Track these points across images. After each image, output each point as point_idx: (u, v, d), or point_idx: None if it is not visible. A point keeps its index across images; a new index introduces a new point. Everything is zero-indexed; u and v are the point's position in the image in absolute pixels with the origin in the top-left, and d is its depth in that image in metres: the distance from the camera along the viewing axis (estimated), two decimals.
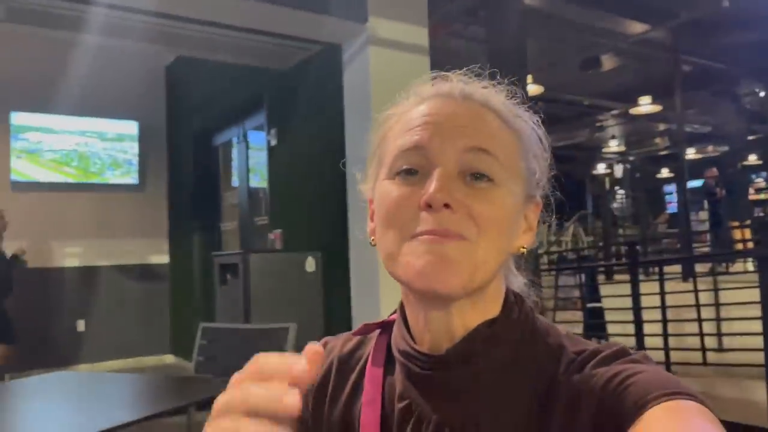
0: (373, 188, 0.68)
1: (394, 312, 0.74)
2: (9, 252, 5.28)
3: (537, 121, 0.69)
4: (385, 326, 0.74)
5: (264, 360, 0.43)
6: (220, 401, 0.43)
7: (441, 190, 0.58)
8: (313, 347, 0.45)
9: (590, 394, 0.56)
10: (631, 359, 0.59)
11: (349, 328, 0.76)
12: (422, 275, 0.58)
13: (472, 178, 0.61)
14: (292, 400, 0.40)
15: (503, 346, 0.63)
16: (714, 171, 8.93)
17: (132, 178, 7.05)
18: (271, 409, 0.40)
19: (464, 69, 0.69)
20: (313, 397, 0.74)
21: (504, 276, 0.68)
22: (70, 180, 6.71)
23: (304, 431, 0.73)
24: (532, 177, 0.67)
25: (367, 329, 0.75)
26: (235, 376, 0.45)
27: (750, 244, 7.73)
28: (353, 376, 0.73)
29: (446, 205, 0.58)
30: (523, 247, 0.67)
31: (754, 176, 12.83)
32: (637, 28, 7.28)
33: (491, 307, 0.65)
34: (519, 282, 0.72)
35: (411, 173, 0.62)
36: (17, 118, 6.42)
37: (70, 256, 6.63)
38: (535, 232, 0.69)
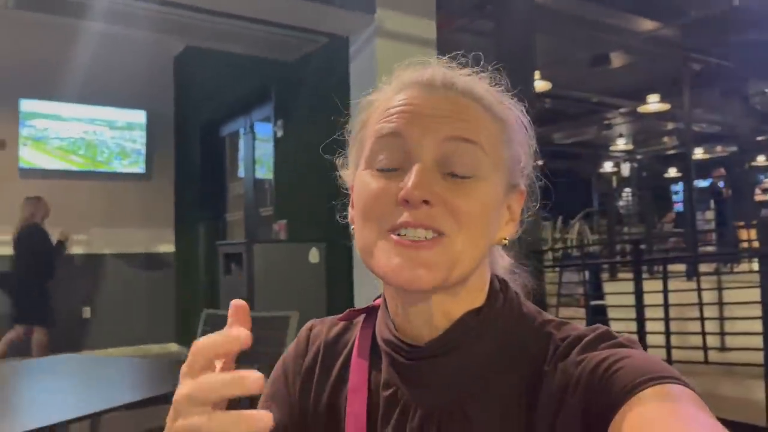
0: (353, 175, 0.67)
1: (378, 297, 0.73)
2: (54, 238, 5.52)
3: (522, 108, 0.68)
4: (370, 312, 0.74)
5: (203, 344, 0.45)
6: (181, 395, 0.45)
7: (419, 187, 0.57)
8: (238, 301, 0.48)
9: (578, 380, 0.56)
10: (617, 343, 0.58)
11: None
12: (396, 273, 0.58)
13: (451, 175, 0.60)
14: (255, 378, 0.42)
15: (487, 336, 0.63)
16: (721, 171, 8.90)
17: (139, 167, 7.08)
18: (237, 393, 0.43)
19: (447, 56, 0.68)
20: (300, 383, 0.74)
21: (488, 264, 0.67)
22: (77, 168, 6.75)
23: (290, 417, 0.73)
24: (516, 166, 0.65)
25: (352, 315, 0.76)
26: (183, 368, 0.46)
27: (755, 245, 7.70)
28: (339, 362, 0.73)
29: (425, 202, 0.58)
30: (505, 239, 0.67)
31: (762, 177, 12.75)
32: (647, 25, 7.25)
33: (475, 296, 0.65)
34: (505, 262, 0.72)
35: (390, 168, 0.61)
36: (26, 105, 6.46)
37: (77, 244, 6.67)
38: (518, 221, 0.68)
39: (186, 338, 6.42)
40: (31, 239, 5.35)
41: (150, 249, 7.04)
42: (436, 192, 0.58)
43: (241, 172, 6.63)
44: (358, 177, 0.64)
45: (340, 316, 0.76)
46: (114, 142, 6.95)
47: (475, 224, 0.59)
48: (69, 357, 2.87)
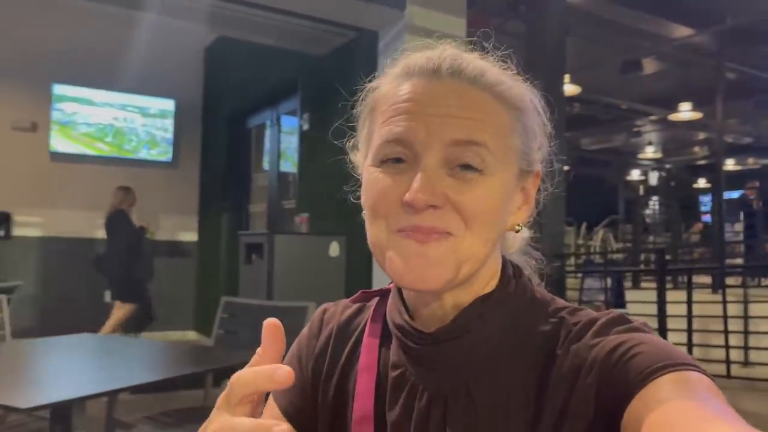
0: (362, 163, 0.67)
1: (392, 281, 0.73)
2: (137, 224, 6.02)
3: (534, 90, 0.66)
4: (384, 294, 0.75)
5: (244, 378, 0.46)
6: (213, 430, 0.46)
7: (423, 191, 0.56)
8: (271, 321, 0.50)
9: (593, 363, 0.55)
10: (632, 327, 0.58)
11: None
12: (405, 276, 0.59)
13: (459, 169, 0.58)
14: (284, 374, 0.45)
15: (496, 320, 0.62)
16: (756, 183, 8.71)
17: (166, 156, 7.16)
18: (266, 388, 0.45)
19: (455, 41, 0.65)
20: (312, 364, 0.75)
21: (499, 250, 0.66)
22: (106, 154, 6.85)
23: (302, 397, 0.74)
24: (531, 150, 0.64)
25: (365, 296, 0.76)
26: (221, 400, 0.48)
27: None
28: (350, 343, 0.73)
29: (430, 206, 0.57)
30: (518, 225, 0.66)
31: None
32: (681, 32, 7.14)
33: (487, 283, 0.64)
34: (518, 242, 0.71)
35: (397, 161, 0.60)
36: (59, 89, 6.57)
37: (101, 228, 6.77)
38: (533, 204, 0.67)
39: (204, 326, 6.47)
40: (115, 223, 5.89)
41: (173, 237, 7.10)
42: (441, 193, 0.57)
43: (266, 164, 6.67)
44: (366, 171, 0.63)
45: (353, 297, 0.77)
46: (143, 130, 7.04)
47: (482, 222, 0.59)
48: (88, 336, 2.91)
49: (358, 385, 0.68)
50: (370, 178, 0.62)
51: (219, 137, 7.05)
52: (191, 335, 7.08)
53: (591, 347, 0.57)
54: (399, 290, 0.69)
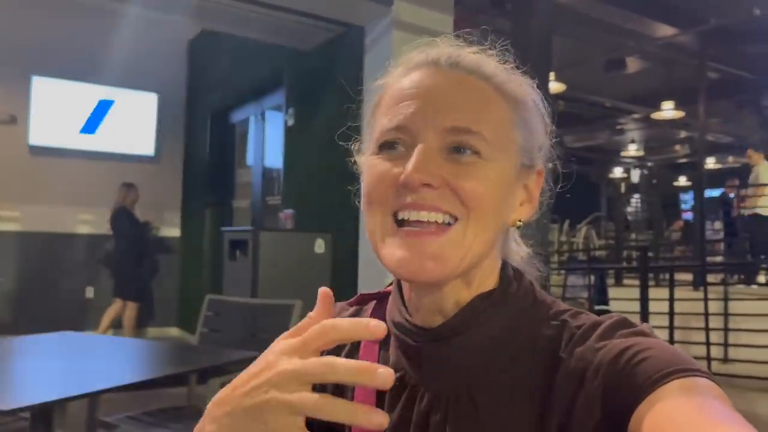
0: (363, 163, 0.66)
1: (391, 283, 0.73)
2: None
3: (534, 84, 0.66)
4: (381, 297, 0.74)
5: (332, 325, 0.47)
6: (287, 370, 0.46)
7: (419, 170, 0.56)
8: (326, 289, 0.53)
9: (598, 366, 0.55)
10: (637, 331, 0.57)
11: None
12: (401, 267, 0.58)
13: (456, 152, 0.58)
14: (386, 373, 0.44)
15: (498, 320, 0.62)
16: (735, 182, 8.82)
17: (148, 150, 7.07)
18: (363, 382, 0.45)
19: (453, 33, 0.66)
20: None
21: (501, 249, 0.66)
22: (87, 148, 6.74)
23: None
24: (531, 145, 0.64)
25: (363, 299, 0.75)
26: (294, 343, 0.48)
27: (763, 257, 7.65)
28: (347, 347, 0.72)
29: (426, 185, 0.57)
30: (520, 221, 0.65)
31: None
32: (665, 31, 7.19)
33: (486, 281, 0.64)
34: (522, 251, 0.71)
35: (393, 146, 0.60)
36: (38, 82, 6.45)
37: (82, 224, 6.68)
38: (536, 202, 0.67)
39: (187, 323, 6.42)
40: (117, 221, 6.00)
41: (156, 232, 7.02)
42: (437, 174, 0.57)
43: (250, 160, 6.61)
44: (366, 162, 0.64)
45: (351, 300, 0.76)
46: (125, 124, 6.94)
47: (482, 206, 0.58)
48: (69, 334, 2.86)
49: (357, 390, 0.67)
50: (369, 165, 0.62)
51: (202, 132, 6.97)
52: (174, 332, 7.01)
53: (596, 351, 0.56)
54: (399, 290, 0.68)
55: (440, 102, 0.59)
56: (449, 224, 0.58)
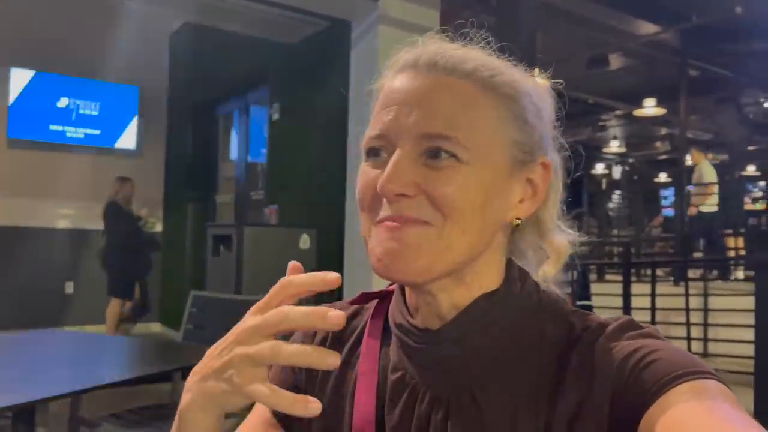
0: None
1: (393, 283, 0.71)
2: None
3: (532, 75, 0.64)
4: (384, 296, 0.73)
5: (288, 280, 0.51)
6: (248, 326, 0.50)
7: (391, 180, 0.56)
8: (295, 263, 0.54)
9: (606, 370, 0.54)
10: (644, 333, 0.57)
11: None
12: (380, 263, 0.57)
13: (433, 158, 0.57)
14: (337, 314, 0.47)
15: (501, 321, 0.61)
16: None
17: (130, 144, 6.98)
18: (317, 326, 0.48)
19: (439, 29, 0.65)
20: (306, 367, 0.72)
21: (505, 248, 0.64)
22: (66, 141, 6.64)
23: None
24: (528, 138, 0.61)
25: (364, 298, 0.74)
26: (256, 306, 0.52)
27: (742, 253, 7.77)
28: (348, 346, 0.71)
29: (402, 194, 0.56)
30: (518, 218, 0.62)
31: (751, 186, 12.86)
32: (648, 28, 7.24)
33: (486, 281, 0.62)
34: (571, 238, 0.68)
35: (376, 153, 0.60)
36: (17, 75, 6.34)
37: (62, 218, 6.58)
38: (543, 195, 0.64)
39: (170, 319, 6.36)
40: (107, 216, 5.91)
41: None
42: (412, 182, 0.56)
43: (234, 154, 6.56)
44: (360, 167, 0.63)
45: (352, 299, 0.75)
46: (105, 117, 6.84)
47: (460, 211, 0.56)
48: (50, 332, 2.82)
49: (357, 390, 0.66)
50: (360, 171, 0.62)
51: (185, 126, 6.89)
52: (156, 327, 6.94)
53: (604, 353, 0.56)
54: (402, 290, 0.67)
55: (415, 108, 0.58)
56: (427, 222, 0.57)
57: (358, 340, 0.71)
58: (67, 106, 6.65)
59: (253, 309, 0.52)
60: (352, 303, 0.75)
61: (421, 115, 0.57)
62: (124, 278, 5.96)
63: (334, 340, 0.72)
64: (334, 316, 0.47)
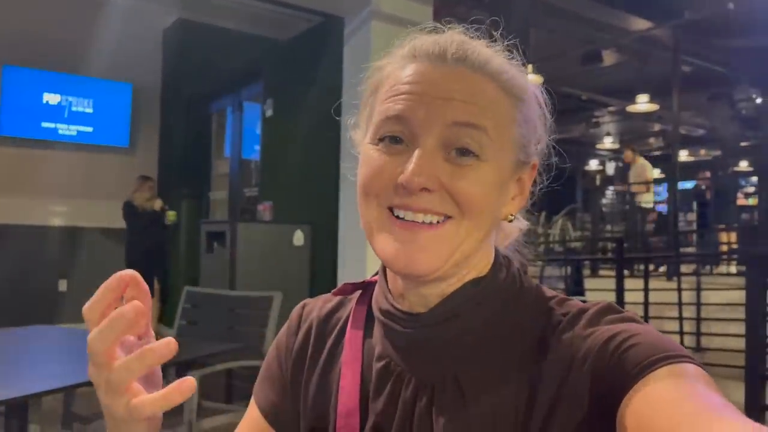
0: (361, 144, 0.65)
1: (376, 273, 0.72)
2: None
3: (536, 84, 0.66)
4: (366, 287, 0.73)
5: (85, 308, 0.52)
6: (90, 369, 0.51)
7: (419, 173, 0.56)
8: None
9: (586, 353, 0.55)
10: (623, 317, 0.58)
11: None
12: (396, 260, 0.58)
13: (456, 153, 0.58)
14: (133, 305, 0.48)
15: (487, 306, 0.62)
16: (707, 174, 9.01)
17: (122, 141, 6.96)
18: (121, 326, 0.49)
19: (463, 25, 0.65)
20: (292, 361, 0.73)
21: (492, 241, 0.66)
22: (59, 138, 6.61)
23: (284, 396, 0.73)
24: (529, 141, 0.64)
25: (347, 289, 0.74)
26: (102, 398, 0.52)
27: (734, 247, 7.81)
28: (332, 337, 0.72)
29: (424, 189, 0.57)
30: (512, 214, 0.65)
31: (743, 182, 12.92)
32: (641, 24, 7.26)
33: (477, 269, 0.64)
34: (522, 225, 0.71)
35: (394, 141, 0.59)
36: (10, 72, 6.30)
37: (55, 215, 6.56)
38: (527, 195, 0.67)
39: (164, 315, 6.35)
40: (123, 215, 6.05)
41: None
42: (436, 177, 0.57)
43: (227, 151, 6.55)
44: (364, 149, 0.63)
45: (335, 290, 0.75)
46: (98, 114, 6.81)
47: (477, 209, 0.58)
48: (43, 328, 2.81)
49: (342, 379, 0.67)
50: (367, 155, 0.61)
51: (178, 122, 6.87)
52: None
53: (584, 338, 0.56)
54: (385, 276, 0.67)
55: (445, 95, 0.58)
56: (445, 218, 0.58)
57: (342, 331, 0.71)
58: (59, 103, 6.61)
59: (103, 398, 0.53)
60: (336, 294, 0.75)
61: (452, 104, 0.58)
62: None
63: (318, 333, 0.73)
64: (132, 306, 0.49)
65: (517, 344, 0.61)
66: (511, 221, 0.66)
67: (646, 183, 8.00)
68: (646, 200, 7.80)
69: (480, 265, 0.64)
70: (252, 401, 0.75)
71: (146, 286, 0.52)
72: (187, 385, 0.48)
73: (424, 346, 0.62)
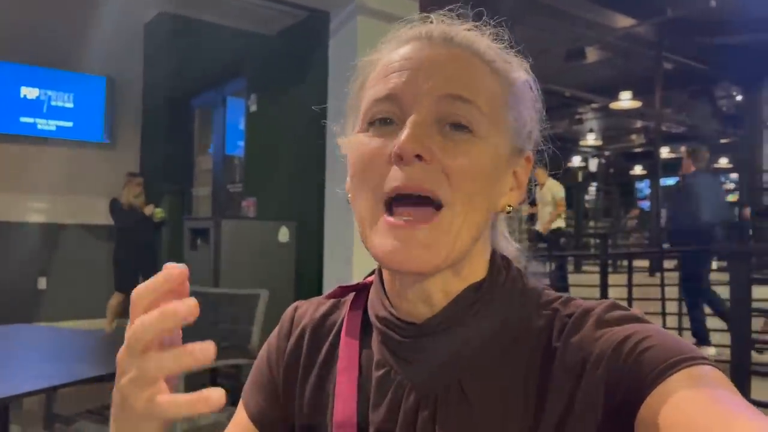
0: (349, 141, 0.63)
1: (370, 274, 0.70)
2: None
3: (527, 67, 0.64)
4: (361, 289, 0.71)
5: (139, 290, 0.47)
6: (121, 352, 0.47)
7: (412, 140, 0.54)
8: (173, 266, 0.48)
9: (599, 357, 0.53)
10: (630, 317, 0.56)
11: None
12: (393, 256, 0.55)
13: (450, 128, 0.56)
14: (187, 304, 0.44)
15: (489, 311, 0.60)
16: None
17: (103, 136, 6.85)
18: (170, 322, 0.44)
19: (446, 8, 0.64)
20: (284, 366, 0.70)
21: (490, 237, 0.64)
22: (36, 133, 6.49)
23: (275, 402, 0.70)
24: (521, 128, 0.62)
25: (341, 292, 0.72)
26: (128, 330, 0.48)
27: None
28: (327, 343, 0.69)
29: (419, 156, 0.54)
30: (509, 206, 0.63)
31: (724, 179, 13.10)
32: (624, 21, 7.30)
33: (476, 270, 0.61)
34: (511, 248, 0.69)
35: (384, 123, 0.58)
36: None
37: (35, 212, 6.44)
38: (525, 189, 0.65)
39: None
40: (110, 212, 5.99)
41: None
42: (429, 147, 0.55)
43: (211, 147, 6.48)
44: (353, 140, 0.60)
45: (328, 293, 0.72)
46: (78, 109, 6.70)
47: (471, 185, 0.56)
48: (24, 327, 2.75)
49: (338, 387, 0.64)
50: (357, 144, 0.59)
51: (160, 118, 6.78)
52: None
53: (594, 340, 0.54)
54: (381, 280, 0.65)
55: (434, 71, 0.57)
56: (438, 207, 0.55)
57: (338, 336, 0.68)
58: (38, 97, 6.49)
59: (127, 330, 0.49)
60: (329, 297, 0.72)
61: (441, 78, 0.57)
62: (125, 272, 5.91)
63: (311, 337, 0.70)
64: (186, 305, 0.44)
65: (523, 349, 0.59)
66: (509, 213, 0.64)
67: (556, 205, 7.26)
68: (556, 224, 7.31)
69: (478, 265, 0.61)
70: (240, 404, 0.72)
71: (188, 287, 0.49)
72: (216, 397, 0.43)
73: (424, 354, 0.59)
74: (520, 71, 0.63)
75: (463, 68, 0.58)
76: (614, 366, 0.52)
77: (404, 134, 0.54)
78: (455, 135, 0.56)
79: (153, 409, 0.45)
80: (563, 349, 0.56)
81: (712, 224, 5.13)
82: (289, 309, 0.75)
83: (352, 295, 0.71)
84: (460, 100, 0.56)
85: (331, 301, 0.72)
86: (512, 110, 0.60)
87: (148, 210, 6.01)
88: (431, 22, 0.62)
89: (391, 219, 0.55)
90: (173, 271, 0.46)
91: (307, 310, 0.73)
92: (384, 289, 0.64)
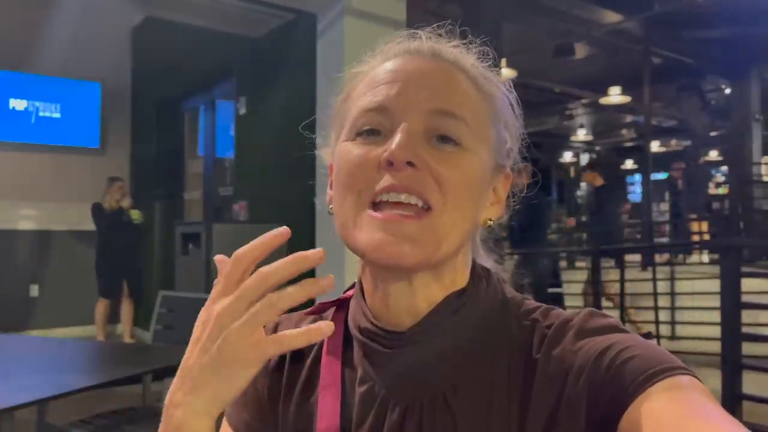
0: (333, 152, 0.63)
1: (350, 288, 0.70)
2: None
3: (508, 86, 0.65)
4: (341, 304, 0.70)
5: (242, 251, 0.53)
6: (224, 308, 0.51)
7: (405, 147, 0.54)
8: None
9: (580, 369, 0.53)
10: (608, 326, 0.57)
11: (312, 304, 0.72)
12: (378, 249, 0.55)
13: (438, 141, 0.57)
14: (316, 251, 0.49)
15: (471, 320, 0.60)
16: (681, 165, 9.13)
17: (93, 142, 6.82)
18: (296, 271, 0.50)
19: (434, 25, 0.65)
20: (268, 383, 0.69)
21: (471, 249, 0.65)
22: (27, 140, 6.45)
23: (260, 417, 0.69)
24: (502, 146, 0.63)
25: (322, 308, 0.71)
26: (218, 284, 0.53)
27: (706, 237, 7.95)
28: (309, 360, 0.68)
29: (409, 163, 0.54)
30: (490, 219, 0.64)
31: (714, 172, 13.16)
32: (611, 17, 7.32)
33: (457, 279, 0.62)
34: (490, 262, 0.69)
35: (372, 133, 0.58)
36: None
37: (25, 219, 6.41)
38: (504, 205, 0.66)
39: (138, 319, 6.25)
40: (92, 214, 5.90)
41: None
42: (422, 155, 0.55)
43: (201, 150, 6.46)
44: (339, 149, 0.60)
45: (309, 309, 0.72)
46: (67, 114, 6.66)
47: (461, 196, 0.57)
48: (15, 337, 2.74)
49: (320, 405, 0.63)
50: (344, 151, 0.59)
51: (150, 122, 6.76)
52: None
53: (575, 352, 0.55)
54: (362, 292, 0.65)
55: (424, 85, 0.58)
56: (427, 209, 0.55)
57: (319, 352, 0.68)
58: (26, 108, 6.45)
59: (214, 295, 0.53)
60: (309, 314, 0.72)
61: (431, 92, 0.58)
62: (108, 278, 5.89)
63: (293, 355, 0.69)
64: (313, 253, 0.50)
65: (504, 359, 0.59)
66: (489, 226, 0.65)
67: None
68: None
69: (460, 273, 0.62)
70: (224, 422, 0.71)
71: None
72: (326, 324, 0.52)
73: (407, 365, 0.59)
74: (501, 90, 0.64)
75: (452, 83, 0.59)
76: (595, 377, 0.52)
77: (396, 141, 0.55)
78: (444, 147, 0.57)
79: (261, 349, 0.50)
80: (544, 361, 0.56)
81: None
82: (270, 326, 0.73)
83: (332, 309, 0.71)
84: (450, 116, 0.57)
85: (312, 317, 0.72)
86: (494, 127, 0.62)
87: (126, 204, 5.96)
88: (420, 38, 0.63)
89: (378, 214, 0.55)
90: (281, 229, 0.51)
91: (288, 326, 0.71)
92: (365, 299, 0.64)
